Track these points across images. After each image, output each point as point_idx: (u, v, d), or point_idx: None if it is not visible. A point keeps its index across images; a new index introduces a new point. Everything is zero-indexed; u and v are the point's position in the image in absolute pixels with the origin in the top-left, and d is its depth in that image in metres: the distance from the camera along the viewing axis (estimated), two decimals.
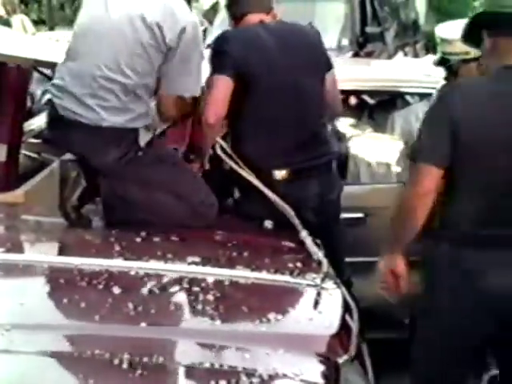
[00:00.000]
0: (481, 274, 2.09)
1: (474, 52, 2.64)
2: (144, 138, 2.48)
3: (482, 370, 2.41)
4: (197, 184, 2.59)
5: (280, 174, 2.69)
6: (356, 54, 5.98)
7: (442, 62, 3.04)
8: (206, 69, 2.68)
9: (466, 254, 2.11)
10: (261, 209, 2.65)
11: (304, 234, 2.45)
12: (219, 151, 2.69)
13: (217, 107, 2.58)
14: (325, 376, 1.79)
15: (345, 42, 7.56)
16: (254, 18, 2.76)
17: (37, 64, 3.20)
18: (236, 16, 2.81)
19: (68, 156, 2.59)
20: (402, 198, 2.22)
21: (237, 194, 2.79)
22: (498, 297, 2.08)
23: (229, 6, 2.85)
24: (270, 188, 2.62)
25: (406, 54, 8.74)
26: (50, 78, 3.92)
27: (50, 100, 2.56)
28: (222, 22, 6.34)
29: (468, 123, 2.08)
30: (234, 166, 2.65)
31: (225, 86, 2.61)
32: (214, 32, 3.87)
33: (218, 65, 2.65)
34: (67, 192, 2.50)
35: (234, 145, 2.73)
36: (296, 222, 2.51)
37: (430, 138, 2.14)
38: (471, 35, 2.16)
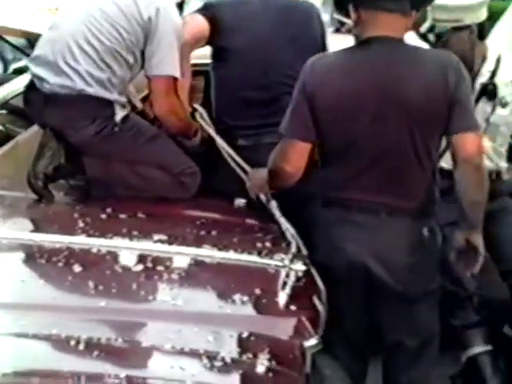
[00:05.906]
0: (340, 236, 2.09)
1: (466, 19, 2.57)
2: (120, 114, 2.45)
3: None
4: (177, 154, 2.57)
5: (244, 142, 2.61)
6: (337, 30, 5.91)
7: (432, 30, 2.94)
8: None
9: (330, 214, 2.12)
10: (234, 186, 2.58)
11: (274, 206, 2.37)
12: (198, 117, 2.65)
13: (193, 29, 2.53)
14: (290, 359, 1.76)
15: (326, 17, 7.44)
16: None
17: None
18: None
19: None
20: (271, 166, 2.20)
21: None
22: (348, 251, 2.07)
23: None
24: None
25: None
26: (16, 47, 3.82)
27: (20, 69, 2.48)
28: None
29: (325, 95, 2.05)
30: (212, 133, 2.61)
31: (199, 22, 2.56)
32: (192, 5, 3.75)
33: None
34: (42, 161, 2.44)
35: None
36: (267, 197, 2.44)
37: (292, 112, 2.12)
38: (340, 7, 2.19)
